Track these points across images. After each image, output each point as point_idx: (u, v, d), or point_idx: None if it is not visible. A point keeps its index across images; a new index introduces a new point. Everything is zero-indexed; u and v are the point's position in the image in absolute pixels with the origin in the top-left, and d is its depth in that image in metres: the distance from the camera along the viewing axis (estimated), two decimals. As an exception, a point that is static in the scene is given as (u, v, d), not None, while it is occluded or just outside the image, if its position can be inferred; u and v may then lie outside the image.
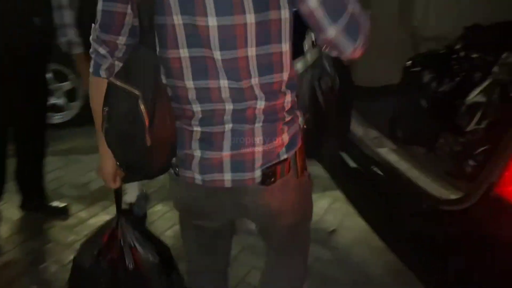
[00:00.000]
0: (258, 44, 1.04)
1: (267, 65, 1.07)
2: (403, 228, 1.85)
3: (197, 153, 1.16)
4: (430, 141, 2.02)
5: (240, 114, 1.12)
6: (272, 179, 1.17)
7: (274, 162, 1.17)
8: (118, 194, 1.47)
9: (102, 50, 1.11)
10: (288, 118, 1.17)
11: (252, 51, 1.04)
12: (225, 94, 1.09)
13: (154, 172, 1.23)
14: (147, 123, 1.04)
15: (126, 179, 1.40)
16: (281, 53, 1.07)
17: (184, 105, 1.13)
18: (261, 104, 1.11)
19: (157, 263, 1.47)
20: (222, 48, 1.04)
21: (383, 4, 2.65)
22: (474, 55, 2.02)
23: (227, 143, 1.13)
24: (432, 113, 2.05)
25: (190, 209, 1.33)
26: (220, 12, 1.00)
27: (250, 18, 1.00)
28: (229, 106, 1.11)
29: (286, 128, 1.17)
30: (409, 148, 2.04)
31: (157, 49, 1.07)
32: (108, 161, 1.28)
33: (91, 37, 1.13)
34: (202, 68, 1.07)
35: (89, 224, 2.73)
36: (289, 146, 1.19)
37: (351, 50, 1.02)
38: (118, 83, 1.06)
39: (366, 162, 2.06)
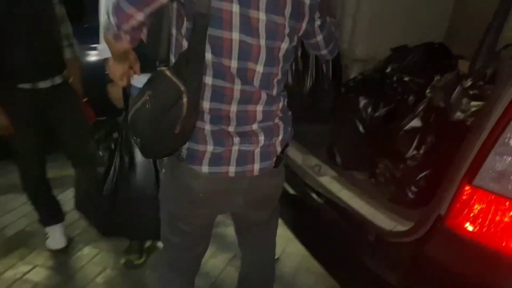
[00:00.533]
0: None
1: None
2: (347, 259, 1.79)
3: (235, 148, 1.35)
4: (370, 168, 1.99)
5: (267, 115, 1.38)
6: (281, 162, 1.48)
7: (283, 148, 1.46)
8: (126, 94, 1.76)
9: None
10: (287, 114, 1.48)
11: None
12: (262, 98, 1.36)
13: (163, 155, 1.41)
14: (184, 114, 1.20)
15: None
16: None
17: (225, 105, 1.31)
18: (283, 103, 1.44)
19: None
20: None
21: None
22: (406, 78, 2.02)
23: (260, 138, 1.38)
24: (370, 138, 2.01)
25: (205, 201, 1.45)
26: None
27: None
28: (259, 108, 1.36)
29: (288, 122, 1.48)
30: (350, 176, 1.99)
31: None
32: (119, 66, 1.51)
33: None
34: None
35: (4, 279, 2.39)
36: (288, 138, 1.48)
37: (330, 58, 1.63)
38: (169, 74, 1.21)
39: (306, 190, 1.98)
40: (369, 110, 1.98)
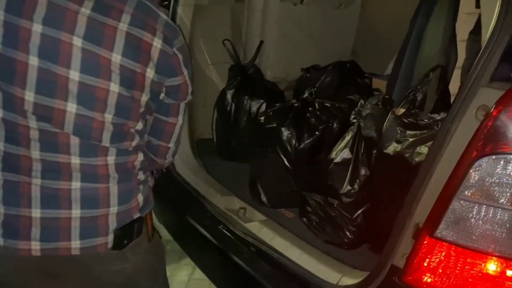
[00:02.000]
0: None
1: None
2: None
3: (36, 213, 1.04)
4: (301, 205, 1.79)
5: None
6: (125, 242, 1.13)
7: (127, 222, 1.13)
8: None
9: None
10: (142, 178, 1.16)
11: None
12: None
13: None
14: None
15: None
16: None
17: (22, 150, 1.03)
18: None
19: None
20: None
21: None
22: (328, 104, 1.87)
23: (75, 203, 1.06)
24: (298, 173, 1.82)
25: None
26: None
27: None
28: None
29: (141, 187, 1.16)
30: (280, 217, 1.78)
31: None
32: None
33: None
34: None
35: None
36: (143, 207, 1.17)
37: (165, 163, 1.29)
38: None
39: (231, 241, 1.73)
40: (293, 141, 1.79)
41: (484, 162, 0.99)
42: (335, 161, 1.65)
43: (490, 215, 1.02)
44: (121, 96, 1.02)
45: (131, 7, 1.01)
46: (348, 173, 1.62)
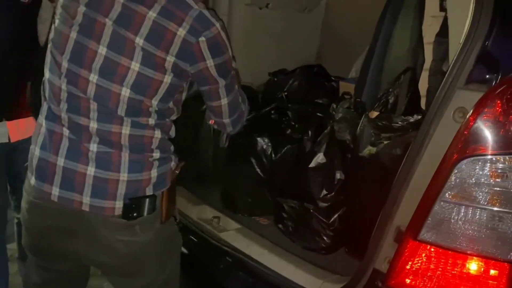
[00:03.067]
0: None
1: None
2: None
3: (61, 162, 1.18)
4: (276, 212, 1.77)
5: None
6: (135, 214, 1.19)
7: (139, 195, 1.20)
8: None
9: None
10: (158, 156, 1.22)
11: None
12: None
13: None
14: None
15: None
16: None
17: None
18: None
19: None
20: None
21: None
22: (296, 107, 1.86)
23: (91, 161, 1.17)
24: (273, 179, 1.80)
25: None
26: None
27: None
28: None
29: (156, 163, 1.22)
30: (255, 225, 1.75)
31: None
32: None
33: None
34: None
35: None
36: (157, 184, 1.22)
37: (231, 131, 1.41)
38: None
39: (206, 251, 1.69)
40: (269, 151, 1.77)
41: (464, 164, 1.00)
42: (310, 166, 1.64)
43: (471, 216, 1.04)
44: (140, 75, 1.13)
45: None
46: (324, 178, 1.62)
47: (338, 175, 1.60)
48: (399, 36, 1.78)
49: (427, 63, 1.72)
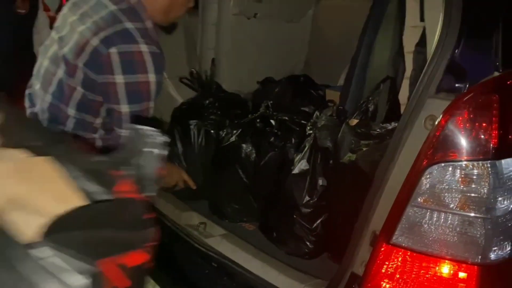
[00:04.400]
0: None
1: None
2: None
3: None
4: (261, 218, 1.80)
5: None
6: None
7: None
8: None
9: None
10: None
11: None
12: None
13: None
14: None
15: None
16: None
17: None
18: None
19: None
20: None
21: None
22: (285, 117, 1.89)
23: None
24: (257, 186, 1.83)
25: None
26: None
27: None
28: None
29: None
30: (241, 231, 1.78)
31: None
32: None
33: None
34: None
35: None
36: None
37: None
38: None
39: (192, 257, 1.71)
40: (253, 158, 1.81)
41: (434, 169, 1.04)
42: (293, 172, 1.67)
43: (442, 220, 1.07)
44: (61, 81, 1.31)
45: (99, 15, 1.26)
46: (306, 184, 1.65)
47: (320, 181, 1.63)
48: (381, 46, 1.83)
49: (408, 72, 1.77)
